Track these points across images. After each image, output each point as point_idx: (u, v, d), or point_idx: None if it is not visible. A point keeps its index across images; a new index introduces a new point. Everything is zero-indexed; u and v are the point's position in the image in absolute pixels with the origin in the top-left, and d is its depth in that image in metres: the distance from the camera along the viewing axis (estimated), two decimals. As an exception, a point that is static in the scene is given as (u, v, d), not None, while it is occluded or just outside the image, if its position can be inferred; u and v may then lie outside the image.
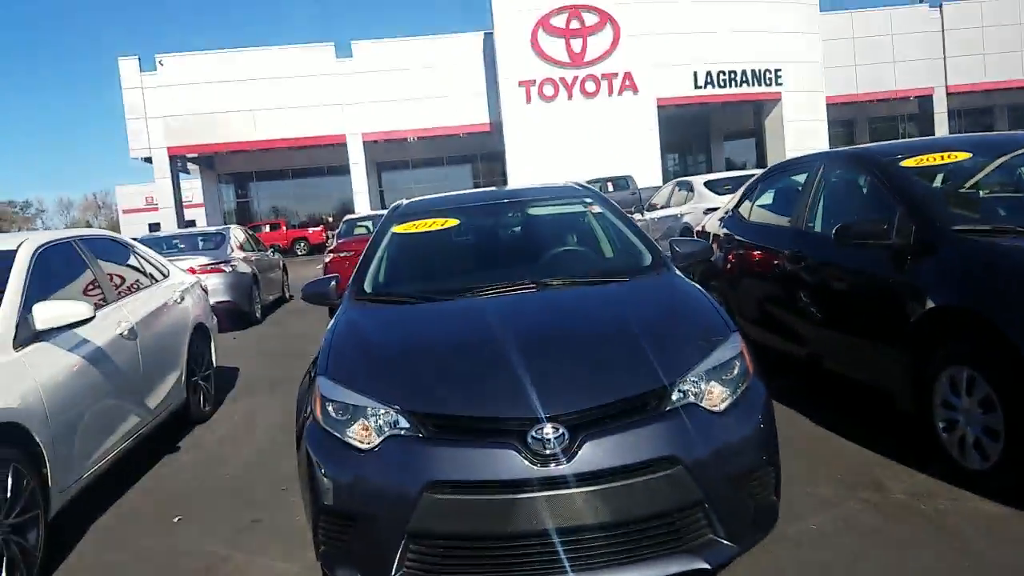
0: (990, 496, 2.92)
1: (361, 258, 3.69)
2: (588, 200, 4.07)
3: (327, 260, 10.37)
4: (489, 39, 22.22)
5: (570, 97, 21.95)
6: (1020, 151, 4.11)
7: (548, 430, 2.22)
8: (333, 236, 14.49)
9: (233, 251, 10.17)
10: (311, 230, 29.15)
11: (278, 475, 3.94)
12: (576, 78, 21.91)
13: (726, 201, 9.26)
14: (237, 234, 11.17)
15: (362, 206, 23.95)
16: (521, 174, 20.35)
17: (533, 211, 4.17)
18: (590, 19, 21.75)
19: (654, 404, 2.34)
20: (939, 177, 4.04)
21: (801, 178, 4.84)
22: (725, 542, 2.29)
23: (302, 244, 28.42)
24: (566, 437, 2.22)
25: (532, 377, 2.36)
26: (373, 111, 23.03)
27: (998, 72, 29.34)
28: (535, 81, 21.76)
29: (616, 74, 22.05)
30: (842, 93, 27.48)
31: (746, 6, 23.45)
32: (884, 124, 33.10)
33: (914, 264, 3.41)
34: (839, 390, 4.17)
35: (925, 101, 30.07)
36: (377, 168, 28.66)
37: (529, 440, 2.22)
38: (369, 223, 12.45)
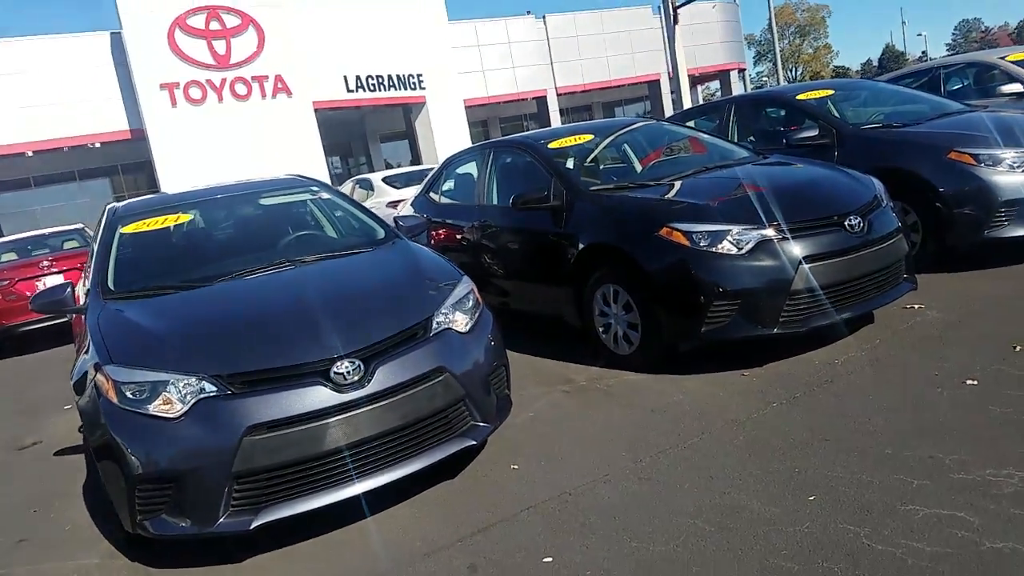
0: (635, 370, 4.24)
1: (94, 261, 3.77)
2: (315, 188, 4.61)
3: None
4: (118, 39, 20.22)
5: (220, 99, 21.07)
6: (623, 131, 5.70)
7: (347, 364, 2.81)
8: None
9: None
10: None
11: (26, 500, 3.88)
12: (224, 80, 21.10)
13: (403, 193, 10.29)
14: None
15: (-27, 234, 20.14)
16: (175, 183, 19.07)
17: (266, 201, 4.57)
18: (231, 21, 21.10)
19: (421, 333, 3.08)
20: (575, 154, 5.37)
21: (475, 164, 5.94)
22: (483, 424, 3.14)
23: None
24: (362, 368, 2.83)
25: (322, 326, 2.93)
26: (-23, 123, 19.53)
27: (592, 75, 35.19)
28: (179, 84, 20.41)
29: (267, 76, 21.76)
30: (477, 96, 30.59)
31: (385, 14, 24.82)
32: (511, 123, 37.51)
33: (568, 219, 4.64)
34: (528, 324, 5.30)
35: (541, 101, 34.81)
36: (-12, 189, 24.22)
37: (332, 375, 2.78)
38: (15, 248, 10.79)
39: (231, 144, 20.66)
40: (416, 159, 27.30)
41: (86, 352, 3.07)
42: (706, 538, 2.49)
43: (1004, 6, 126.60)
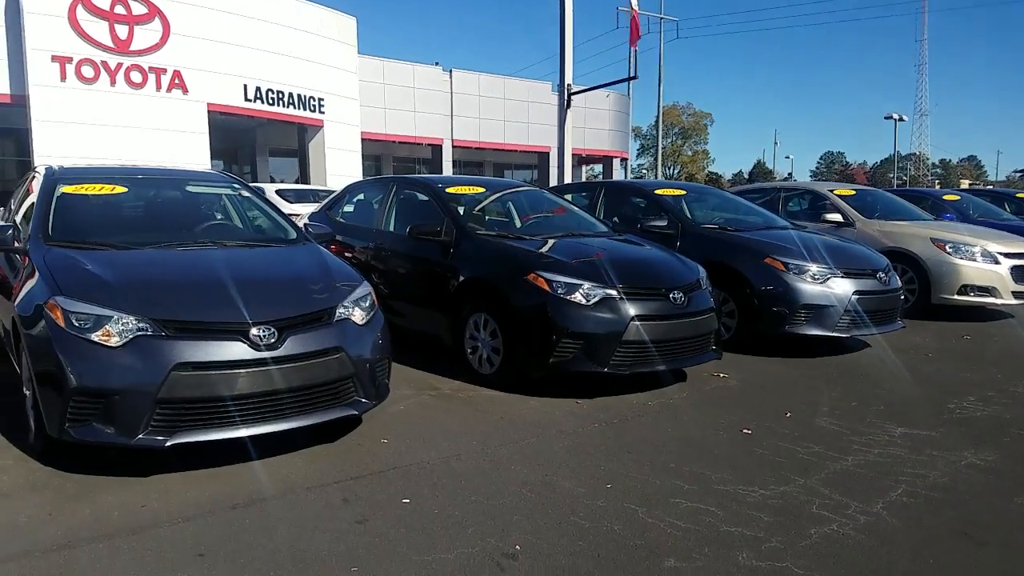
0: (493, 388, 5.03)
1: (36, 211, 4.14)
2: (237, 186, 5.16)
3: None
4: (14, 1, 19.31)
5: (113, 83, 20.35)
6: (510, 190, 6.62)
7: (264, 329, 3.42)
8: None
9: None
10: None
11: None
12: (121, 65, 20.41)
13: (294, 208, 10.72)
14: None
15: None
16: (52, 158, 18.13)
17: (192, 188, 5.05)
18: (138, 8, 20.57)
19: (326, 317, 3.73)
20: (467, 201, 6.22)
21: (377, 194, 6.64)
22: (364, 400, 3.80)
23: None
24: (276, 334, 3.45)
25: (248, 297, 3.53)
26: None
27: (488, 134, 36.81)
28: (72, 59, 19.52)
29: (165, 70, 21.29)
30: (374, 131, 31.17)
31: (297, 34, 25.13)
32: (404, 164, 38.28)
33: (454, 253, 5.43)
34: (407, 340, 5.95)
35: (437, 148, 35.91)
36: None
37: (251, 335, 3.38)
38: None
39: (117, 129, 20.02)
40: (304, 179, 27.30)
41: (32, 286, 3.48)
42: (527, 499, 3.26)
43: (866, 146, 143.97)
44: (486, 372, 5.14)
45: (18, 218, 4.63)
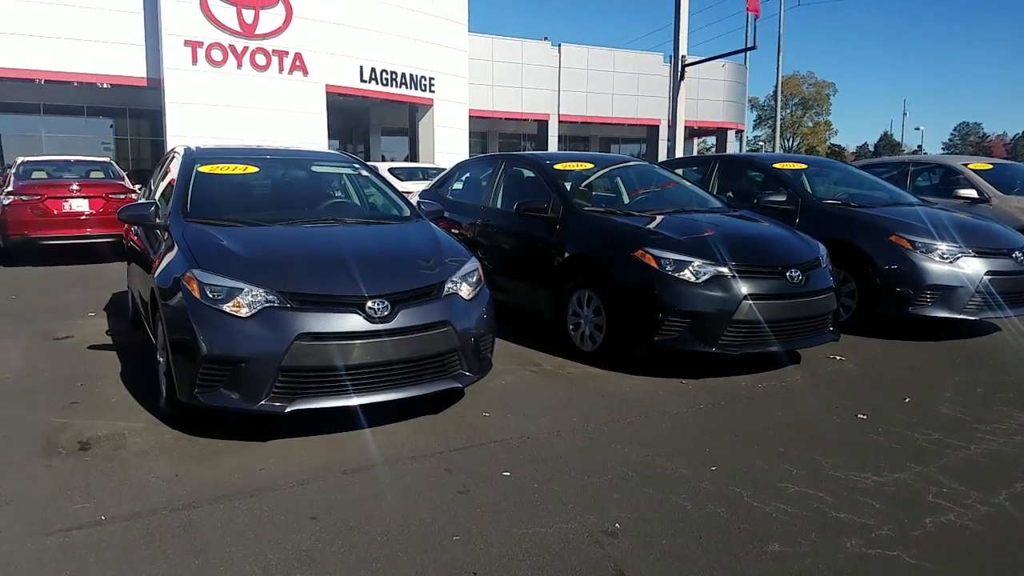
0: (594, 365, 5.01)
1: (176, 189, 4.46)
2: (356, 166, 5.40)
3: (6, 203, 9.50)
4: (151, -11, 20.77)
5: (239, 66, 21.61)
6: (618, 166, 6.53)
7: (378, 302, 3.56)
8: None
9: None
10: None
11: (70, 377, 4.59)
12: (247, 49, 21.64)
13: (406, 186, 11.04)
14: None
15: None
16: (182, 138, 19.44)
17: (316, 168, 5.33)
18: (263, -7, 21.81)
19: (435, 292, 3.84)
20: (574, 178, 6.19)
21: (486, 171, 6.72)
22: (468, 374, 3.89)
23: None
24: (389, 307, 3.58)
25: (365, 272, 3.69)
26: (-6, 42, 19.72)
27: (595, 108, 36.33)
28: (203, 43, 20.90)
29: (287, 52, 22.38)
30: (481, 108, 31.45)
31: (410, 14, 25.64)
32: (509, 140, 38.44)
33: (560, 230, 5.42)
34: (508, 315, 6.04)
35: (543, 124, 35.83)
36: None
37: (367, 308, 3.53)
38: (47, 168, 11.11)
39: (242, 110, 21.23)
40: (414, 157, 27.98)
41: (171, 260, 3.78)
42: (628, 479, 3.25)
43: (1005, 116, 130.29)
44: (587, 349, 5.13)
45: (157, 195, 5.03)
